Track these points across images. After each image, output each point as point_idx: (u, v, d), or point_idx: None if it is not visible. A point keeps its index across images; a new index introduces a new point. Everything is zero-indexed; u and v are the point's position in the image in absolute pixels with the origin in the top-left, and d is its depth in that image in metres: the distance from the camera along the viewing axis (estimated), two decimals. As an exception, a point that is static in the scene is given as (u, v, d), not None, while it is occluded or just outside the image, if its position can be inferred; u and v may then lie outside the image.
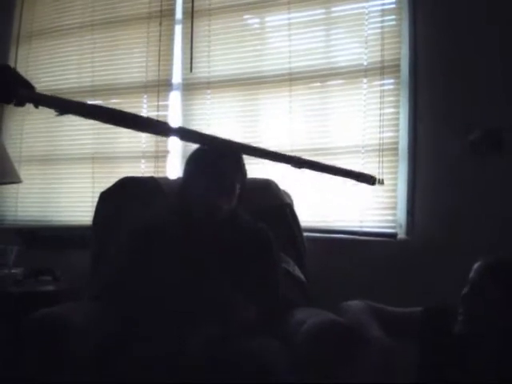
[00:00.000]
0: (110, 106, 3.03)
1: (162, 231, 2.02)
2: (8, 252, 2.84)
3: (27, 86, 1.53)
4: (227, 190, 1.98)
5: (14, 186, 3.20)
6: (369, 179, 2.00)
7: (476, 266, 1.83)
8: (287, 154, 2.04)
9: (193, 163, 2.05)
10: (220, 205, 1.96)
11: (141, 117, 2.04)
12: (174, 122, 3.12)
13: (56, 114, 1.60)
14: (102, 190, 2.50)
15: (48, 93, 3.09)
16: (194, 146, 2.12)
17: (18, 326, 1.89)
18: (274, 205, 2.44)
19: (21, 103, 1.55)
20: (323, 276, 2.47)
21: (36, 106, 1.61)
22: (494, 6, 2.54)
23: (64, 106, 1.64)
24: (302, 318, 1.87)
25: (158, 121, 2.21)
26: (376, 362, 1.73)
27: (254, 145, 2.80)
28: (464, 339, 1.77)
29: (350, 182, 2.65)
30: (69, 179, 3.33)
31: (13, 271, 2.74)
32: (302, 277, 2.28)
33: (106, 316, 1.92)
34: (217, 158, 1.97)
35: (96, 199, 2.50)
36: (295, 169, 1.94)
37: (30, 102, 1.56)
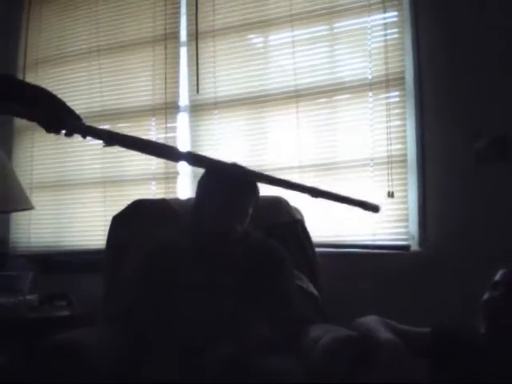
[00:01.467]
0: (119, 130, 3.10)
1: (175, 253, 2.02)
2: (23, 278, 2.85)
3: (74, 116, 1.56)
4: (241, 212, 1.99)
5: (27, 212, 3.22)
6: (373, 208, 2.08)
7: (502, 271, 1.83)
8: (304, 184, 2.12)
9: (206, 185, 2.05)
10: (234, 227, 1.97)
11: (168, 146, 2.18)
12: (183, 143, 3.15)
13: (103, 145, 1.65)
14: (114, 213, 2.51)
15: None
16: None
17: (34, 352, 1.89)
18: (284, 221, 2.44)
19: (70, 133, 1.57)
20: (337, 291, 2.46)
21: (84, 137, 1.64)
22: (497, 15, 2.55)
23: (110, 137, 1.69)
24: (317, 334, 1.87)
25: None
26: (389, 363, 1.72)
27: (263, 163, 2.87)
28: (490, 349, 1.75)
29: (362, 196, 2.70)
30: (80, 204, 3.34)
31: (28, 297, 2.75)
32: (315, 293, 2.28)
33: (120, 341, 1.92)
34: (230, 180, 1.98)
35: (108, 223, 2.52)
36: (312, 198, 2.01)
37: (78, 132, 1.58)
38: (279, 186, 2.06)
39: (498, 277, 1.83)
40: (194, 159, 2.03)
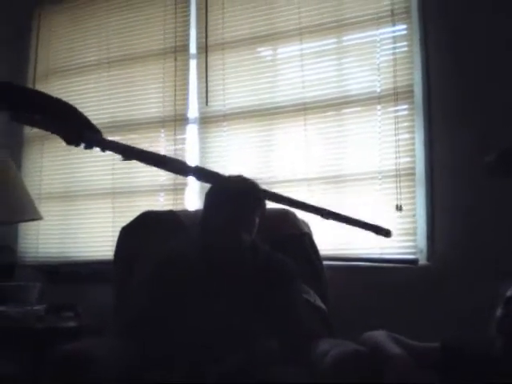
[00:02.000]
0: (128, 142, 3.12)
1: (183, 265, 2.03)
2: (30, 288, 2.86)
3: (94, 129, 1.57)
4: (248, 224, 2.00)
5: (35, 222, 3.24)
6: (385, 232, 2.15)
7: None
8: (316, 205, 2.17)
9: (214, 197, 2.07)
10: (242, 237, 1.97)
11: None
12: (191, 155, 3.16)
13: (122, 159, 1.67)
14: (122, 224, 2.53)
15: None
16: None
17: (42, 362, 1.89)
18: (292, 234, 2.44)
19: (89, 146, 1.58)
20: (344, 305, 2.45)
21: (103, 151, 1.66)
22: (506, 28, 2.55)
23: (127, 151, 1.71)
24: (324, 348, 1.85)
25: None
26: (397, 378, 1.71)
27: (271, 175, 2.88)
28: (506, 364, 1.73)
29: (370, 210, 2.71)
30: (89, 214, 3.35)
31: (35, 308, 2.76)
32: (322, 306, 2.27)
33: (130, 352, 1.92)
34: (237, 192, 2.01)
35: (116, 234, 2.53)
36: (323, 219, 2.09)
37: (97, 146, 1.60)
38: (291, 205, 2.08)
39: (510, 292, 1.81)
40: (204, 175, 2.06)
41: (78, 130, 1.54)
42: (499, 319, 1.79)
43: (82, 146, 1.59)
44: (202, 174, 1.96)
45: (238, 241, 1.98)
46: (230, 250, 2.00)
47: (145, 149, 1.93)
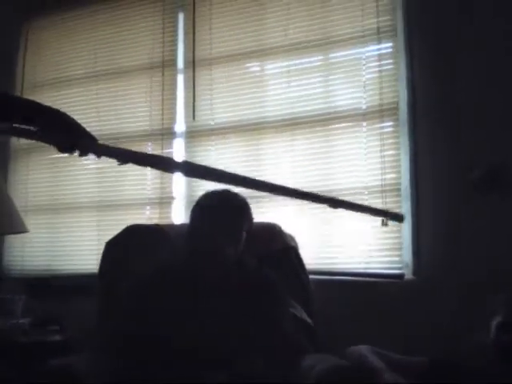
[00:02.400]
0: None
1: (168, 279, 2.02)
2: (15, 302, 2.84)
3: (88, 136, 1.57)
4: (233, 237, 2.00)
5: (21, 235, 3.22)
6: (397, 217, 2.17)
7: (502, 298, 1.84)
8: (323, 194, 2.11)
9: (199, 210, 2.07)
10: (227, 252, 1.97)
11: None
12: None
13: (118, 163, 1.65)
14: (108, 237, 2.51)
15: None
16: (199, 192, 2.15)
17: (26, 377, 1.88)
18: (278, 248, 2.45)
19: (83, 153, 1.58)
20: (330, 319, 2.46)
21: (98, 157, 1.65)
22: (491, 45, 2.60)
23: (123, 155, 1.69)
24: (310, 363, 1.86)
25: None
26: None
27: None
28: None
29: (356, 225, 2.73)
30: (75, 228, 3.34)
31: (20, 321, 2.74)
32: (308, 320, 2.28)
33: (112, 367, 1.91)
34: (223, 205, 2.01)
35: (102, 247, 2.51)
36: (332, 209, 2.04)
37: (92, 152, 1.59)
38: (298, 198, 2.08)
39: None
40: (192, 169, 2.04)
41: (71, 138, 1.53)
42: (495, 330, 1.81)
43: (77, 153, 1.58)
44: (189, 168, 1.95)
45: (221, 254, 1.98)
46: (214, 264, 1.99)
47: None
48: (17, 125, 1.52)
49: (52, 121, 1.52)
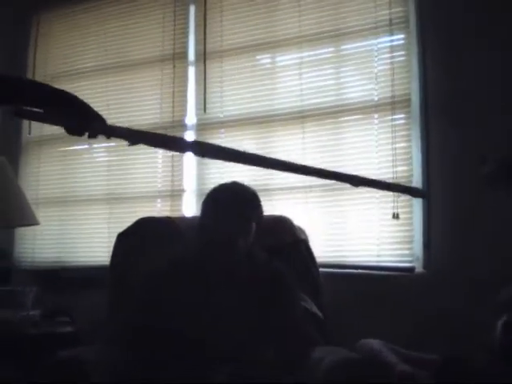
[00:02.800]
0: (125, 148, 3.14)
1: (180, 271, 2.02)
2: (26, 294, 2.85)
3: (98, 118, 1.57)
4: (244, 228, 2.00)
5: (32, 227, 3.23)
6: (419, 193, 2.21)
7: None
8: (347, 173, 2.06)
9: (210, 202, 2.06)
10: (238, 242, 1.97)
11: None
12: (189, 161, 3.16)
13: (128, 144, 1.65)
14: (118, 230, 2.52)
15: (61, 138, 3.20)
16: (210, 185, 2.15)
17: (37, 368, 1.89)
18: (289, 241, 2.44)
19: (93, 135, 1.58)
20: (340, 312, 2.45)
21: (108, 137, 1.65)
22: (502, 37, 2.57)
23: (133, 135, 1.69)
24: (319, 356, 1.85)
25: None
26: None
27: (268, 182, 2.88)
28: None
29: (367, 218, 2.71)
30: (85, 220, 3.36)
31: (31, 313, 2.75)
32: (319, 313, 2.27)
33: (123, 359, 1.91)
34: (233, 197, 2.01)
35: (112, 239, 2.52)
36: (354, 187, 1.97)
37: (102, 133, 1.59)
38: (320, 176, 2.07)
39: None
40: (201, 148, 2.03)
41: (81, 119, 1.53)
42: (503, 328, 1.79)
43: (86, 135, 1.58)
44: (201, 147, 1.95)
45: (233, 244, 1.97)
46: (226, 254, 1.99)
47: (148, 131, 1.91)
48: (28, 107, 1.52)
49: (61, 102, 1.52)
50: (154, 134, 1.85)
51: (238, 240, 1.97)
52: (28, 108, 1.53)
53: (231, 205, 1.99)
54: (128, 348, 1.92)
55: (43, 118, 1.58)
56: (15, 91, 1.48)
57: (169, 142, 1.85)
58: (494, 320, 1.89)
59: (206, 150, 1.91)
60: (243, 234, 1.99)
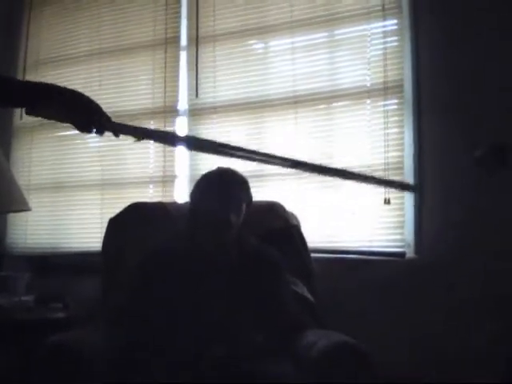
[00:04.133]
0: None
1: (170, 257, 2.04)
2: (19, 279, 2.85)
3: (102, 114, 1.59)
4: (236, 206, 2.03)
5: (24, 213, 3.22)
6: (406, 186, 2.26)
7: None
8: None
9: (201, 184, 2.11)
10: (230, 219, 1.99)
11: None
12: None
13: (134, 140, 1.69)
14: (111, 216, 2.52)
15: (53, 123, 3.19)
16: (202, 171, 2.17)
17: (30, 354, 1.89)
18: (280, 227, 2.45)
19: (100, 131, 1.60)
20: (332, 296, 2.46)
21: (115, 134, 1.67)
22: (496, 25, 2.57)
23: (138, 131, 1.73)
24: (312, 339, 1.87)
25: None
26: None
27: (260, 167, 2.88)
28: None
29: (357, 202, 2.72)
30: (78, 206, 3.35)
31: (23, 299, 2.75)
32: (310, 298, 2.28)
33: (118, 342, 1.92)
34: (222, 178, 2.07)
35: (105, 225, 2.52)
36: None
37: (109, 130, 1.62)
38: (315, 172, 2.10)
39: None
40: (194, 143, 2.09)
41: (89, 116, 1.56)
42: None
43: (94, 132, 1.61)
44: (192, 142, 1.99)
45: (226, 220, 2.00)
46: (218, 233, 2.02)
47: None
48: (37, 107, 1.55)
49: (71, 101, 1.55)
50: (153, 131, 1.90)
51: (230, 217, 2.00)
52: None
53: (222, 185, 2.04)
54: (121, 332, 1.94)
55: (52, 115, 1.60)
56: (25, 93, 1.52)
57: (172, 138, 1.90)
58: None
59: (203, 146, 1.97)
60: (235, 212, 2.02)
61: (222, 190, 2.03)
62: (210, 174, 2.12)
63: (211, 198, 2.03)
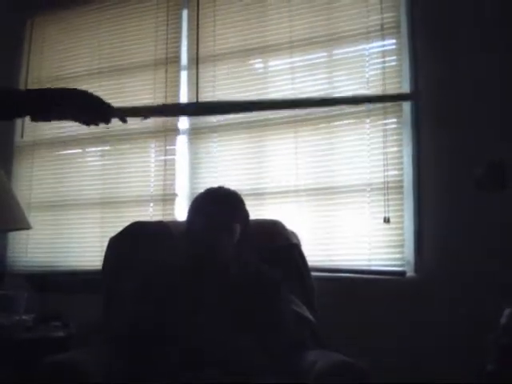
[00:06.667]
0: (119, 152, 3.15)
1: (170, 276, 2.05)
2: (19, 298, 2.85)
3: (103, 103, 1.62)
4: (225, 225, 2.04)
5: (24, 231, 3.23)
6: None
7: (508, 311, 1.83)
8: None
9: (193, 204, 2.14)
10: (220, 240, 2.00)
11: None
12: (182, 165, 3.18)
13: (142, 119, 1.73)
14: (111, 234, 2.52)
15: (54, 141, 3.22)
16: (202, 189, 2.19)
17: (30, 373, 1.89)
18: (281, 245, 2.44)
19: (107, 121, 1.63)
20: (332, 316, 2.45)
21: (124, 121, 1.70)
22: (495, 41, 2.59)
23: (143, 111, 1.77)
24: (312, 359, 1.86)
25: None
26: None
27: (261, 186, 2.89)
28: None
29: (358, 221, 2.72)
30: (78, 224, 3.35)
31: (23, 317, 2.75)
32: (310, 317, 2.28)
33: (118, 361, 1.92)
34: (212, 197, 2.09)
35: (105, 244, 2.52)
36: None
37: (115, 117, 1.65)
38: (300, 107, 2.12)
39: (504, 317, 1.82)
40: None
41: (94, 110, 1.58)
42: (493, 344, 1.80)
43: (101, 123, 1.63)
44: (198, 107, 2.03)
45: (215, 245, 2.01)
46: (209, 255, 2.02)
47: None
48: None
49: (71, 100, 1.57)
50: (155, 107, 1.91)
51: (220, 237, 2.01)
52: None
53: (210, 206, 2.06)
54: (121, 351, 1.93)
55: (55, 116, 1.62)
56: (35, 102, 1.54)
57: (174, 108, 1.92)
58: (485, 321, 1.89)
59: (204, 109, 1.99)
60: (225, 231, 2.03)
61: (210, 212, 2.04)
62: (202, 195, 2.15)
63: (199, 220, 2.05)
